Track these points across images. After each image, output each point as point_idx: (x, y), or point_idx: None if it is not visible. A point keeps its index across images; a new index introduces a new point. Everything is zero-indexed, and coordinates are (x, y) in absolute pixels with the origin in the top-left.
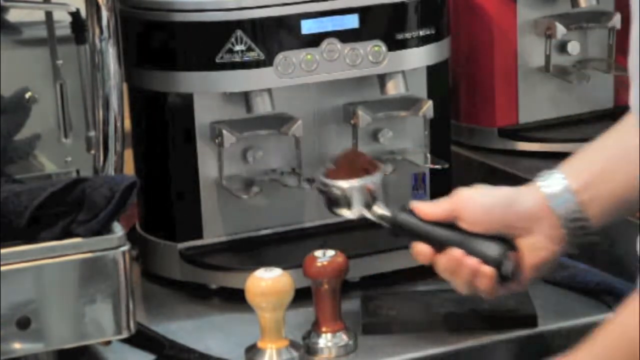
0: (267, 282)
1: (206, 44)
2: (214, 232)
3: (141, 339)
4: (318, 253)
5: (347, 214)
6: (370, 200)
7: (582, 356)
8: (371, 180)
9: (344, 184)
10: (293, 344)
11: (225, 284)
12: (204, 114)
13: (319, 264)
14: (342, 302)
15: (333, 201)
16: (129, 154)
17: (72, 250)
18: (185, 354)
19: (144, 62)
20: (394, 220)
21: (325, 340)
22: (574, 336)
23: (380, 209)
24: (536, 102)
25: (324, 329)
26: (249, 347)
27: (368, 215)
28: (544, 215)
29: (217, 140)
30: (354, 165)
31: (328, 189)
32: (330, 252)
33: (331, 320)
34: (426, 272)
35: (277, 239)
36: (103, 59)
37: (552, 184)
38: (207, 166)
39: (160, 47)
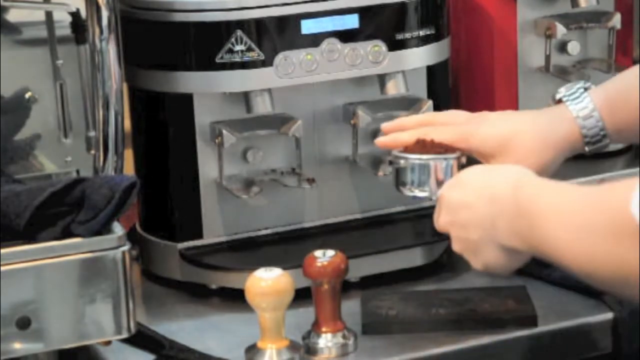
0: (267, 282)
1: (206, 44)
2: (214, 232)
3: (141, 339)
4: (318, 253)
5: (418, 192)
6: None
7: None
8: (445, 159)
9: (416, 157)
10: (293, 344)
11: (225, 284)
12: (204, 114)
13: (319, 264)
14: (342, 302)
15: (402, 179)
16: (129, 154)
17: (72, 250)
18: (185, 354)
19: (144, 62)
20: None
21: (325, 341)
22: (574, 336)
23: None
24: (536, 102)
25: (324, 329)
26: (249, 347)
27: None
28: (574, 139)
29: (217, 140)
30: (427, 148)
31: (399, 162)
32: (330, 253)
33: (331, 320)
34: (426, 272)
35: (277, 239)
36: (103, 59)
37: (582, 106)
38: (207, 166)
39: (160, 47)
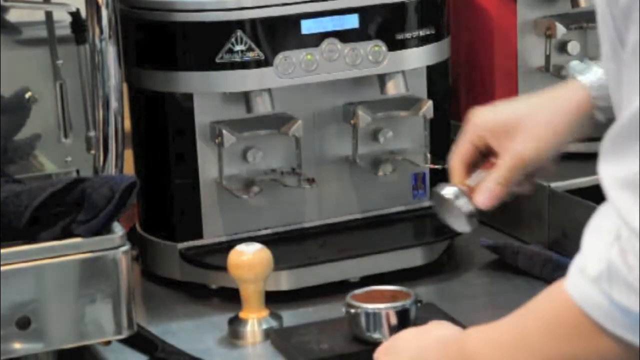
0: (248, 255)
1: (206, 44)
2: (214, 232)
3: (135, 339)
4: None
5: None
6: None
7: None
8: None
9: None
10: (273, 314)
11: (225, 284)
12: (204, 114)
13: None
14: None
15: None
16: (129, 154)
17: (72, 250)
18: (175, 357)
19: (144, 62)
20: None
21: None
22: None
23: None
24: None
25: None
26: (232, 318)
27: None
28: (586, 106)
29: (217, 140)
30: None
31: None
32: None
33: None
34: (426, 272)
35: (277, 239)
36: (103, 59)
37: (594, 78)
38: (207, 166)
39: (160, 47)
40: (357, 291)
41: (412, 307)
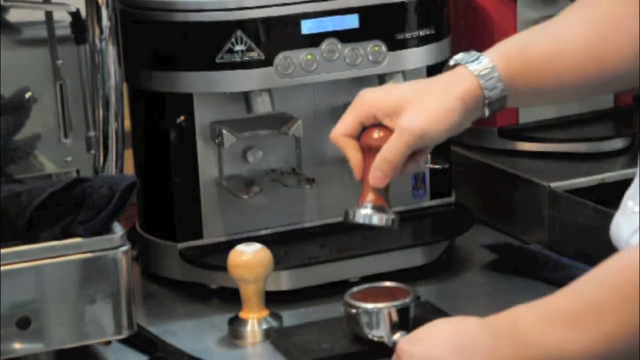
0: (248, 255)
1: (206, 44)
2: (214, 232)
3: (135, 339)
4: None
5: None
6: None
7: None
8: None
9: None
10: (273, 314)
11: (225, 284)
12: (204, 114)
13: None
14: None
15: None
16: (129, 154)
17: (72, 250)
18: (175, 357)
19: (144, 62)
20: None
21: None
22: None
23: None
24: None
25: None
26: (232, 318)
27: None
28: (476, 95)
29: (217, 140)
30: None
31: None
32: None
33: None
34: (426, 272)
35: (277, 239)
36: (103, 59)
37: (482, 66)
38: (207, 166)
39: (160, 47)
40: (355, 289)
41: (412, 305)
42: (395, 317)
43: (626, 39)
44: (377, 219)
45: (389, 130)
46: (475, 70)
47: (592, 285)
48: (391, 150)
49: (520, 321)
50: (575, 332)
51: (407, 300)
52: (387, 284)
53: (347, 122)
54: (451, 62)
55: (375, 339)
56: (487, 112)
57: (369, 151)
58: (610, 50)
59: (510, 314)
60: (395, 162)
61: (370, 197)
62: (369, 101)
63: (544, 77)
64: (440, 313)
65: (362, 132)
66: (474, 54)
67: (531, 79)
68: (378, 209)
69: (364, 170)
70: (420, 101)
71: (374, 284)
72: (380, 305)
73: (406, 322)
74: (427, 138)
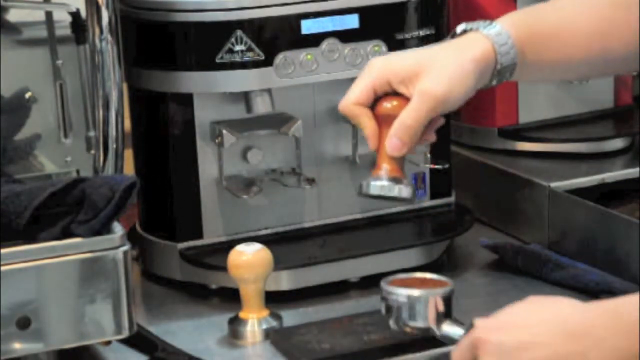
0: (248, 255)
1: (206, 44)
2: (214, 232)
3: (135, 339)
4: None
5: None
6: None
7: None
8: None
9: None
10: (273, 314)
11: (225, 284)
12: (204, 114)
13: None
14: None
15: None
16: (129, 154)
17: (72, 250)
18: (175, 357)
19: (144, 62)
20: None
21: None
22: None
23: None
24: (536, 102)
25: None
26: (232, 318)
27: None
28: (490, 58)
29: (217, 140)
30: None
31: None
32: None
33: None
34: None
35: (277, 239)
36: (103, 59)
37: (496, 31)
38: (207, 166)
39: (160, 47)
40: (390, 278)
41: (452, 295)
42: (441, 306)
43: (630, 23)
44: (396, 190)
45: (404, 99)
46: (489, 34)
47: None
48: (411, 115)
49: None
50: None
51: (449, 288)
52: (419, 275)
53: (359, 90)
54: (460, 29)
55: (416, 330)
56: (494, 81)
57: (385, 120)
58: (613, 32)
59: (632, 299)
60: (415, 128)
61: (385, 167)
62: (383, 67)
63: (550, 50)
64: None
65: (374, 101)
66: (486, 21)
67: (539, 50)
68: (395, 180)
69: (379, 140)
70: (438, 65)
71: (408, 275)
72: (424, 292)
73: (449, 311)
74: (448, 103)
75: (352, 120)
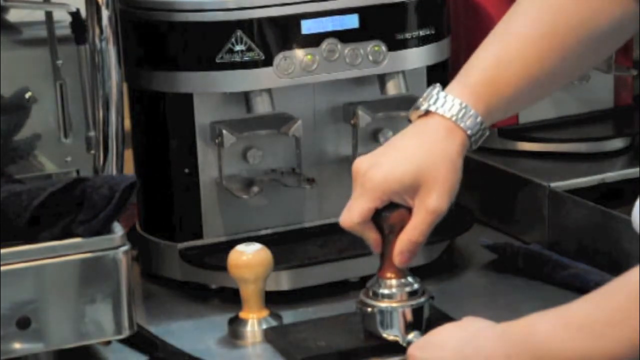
0: (248, 255)
1: (206, 44)
2: (214, 232)
3: (135, 339)
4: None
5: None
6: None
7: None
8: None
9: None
10: (273, 314)
11: (225, 284)
12: (204, 114)
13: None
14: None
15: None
16: (129, 154)
17: (72, 250)
18: (175, 357)
19: (144, 62)
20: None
21: (389, 286)
22: None
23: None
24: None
25: (388, 275)
26: (232, 318)
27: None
28: (465, 143)
29: (217, 140)
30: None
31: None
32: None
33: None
34: (426, 272)
35: (277, 239)
36: (103, 59)
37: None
38: (207, 166)
39: (160, 47)
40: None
41: (426, 304)
42: (409, 317)
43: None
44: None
45: (405, 208)
46: (461, 122)
47: (615, 294)
48: (416, 230)
49: (537, 329)
50: (598, 341)
51: (422, 300)
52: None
53: (361, 209)
54: (423, 108)
55: (390, 338)
56: (473, 147)
57: (389, 229)
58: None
59: (526, 322)
60: (423, 242)
61: (390, 272)
62: (381, 185)
63: (519, 94)
64: (440, 313)
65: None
66: (441, 94)
67: (507, 101)
68: (402, 284)
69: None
70: (436, 177)
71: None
72: (394, 304)
73: (420, 322)
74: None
75: (355, 234)
